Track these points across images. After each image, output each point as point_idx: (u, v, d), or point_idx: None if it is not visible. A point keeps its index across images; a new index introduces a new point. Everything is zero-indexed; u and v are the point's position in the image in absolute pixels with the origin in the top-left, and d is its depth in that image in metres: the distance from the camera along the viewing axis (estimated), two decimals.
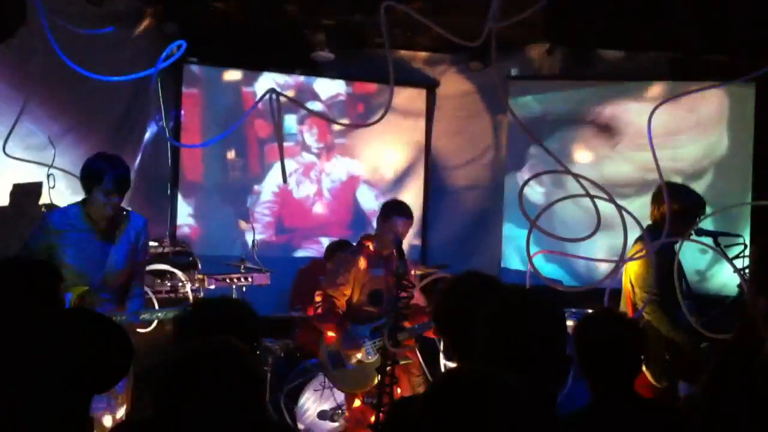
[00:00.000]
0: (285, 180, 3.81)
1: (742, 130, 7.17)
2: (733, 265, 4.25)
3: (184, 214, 7.09)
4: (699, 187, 5.96)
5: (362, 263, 5.01)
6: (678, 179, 5.91)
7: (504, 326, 2.28)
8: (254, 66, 7.30)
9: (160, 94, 6.00)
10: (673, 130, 7.05)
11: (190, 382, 1.90)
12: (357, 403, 5.02)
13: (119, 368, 2.25)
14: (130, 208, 4.34)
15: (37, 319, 2.33)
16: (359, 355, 4.92)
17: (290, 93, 7.16)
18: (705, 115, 7.22)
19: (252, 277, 5.53)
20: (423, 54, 7.59)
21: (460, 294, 2.61)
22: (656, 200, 4.59)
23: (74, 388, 2.08)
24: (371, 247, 5.07)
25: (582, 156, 7.37)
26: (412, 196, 7.85)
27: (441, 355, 5.85)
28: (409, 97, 7.76)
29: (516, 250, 7.45)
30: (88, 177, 4.01)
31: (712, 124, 7.23)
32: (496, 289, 2.59)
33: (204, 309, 2.71)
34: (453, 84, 7.81)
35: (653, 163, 3.82)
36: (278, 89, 3.49)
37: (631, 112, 7.11)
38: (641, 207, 4.65)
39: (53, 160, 5.26)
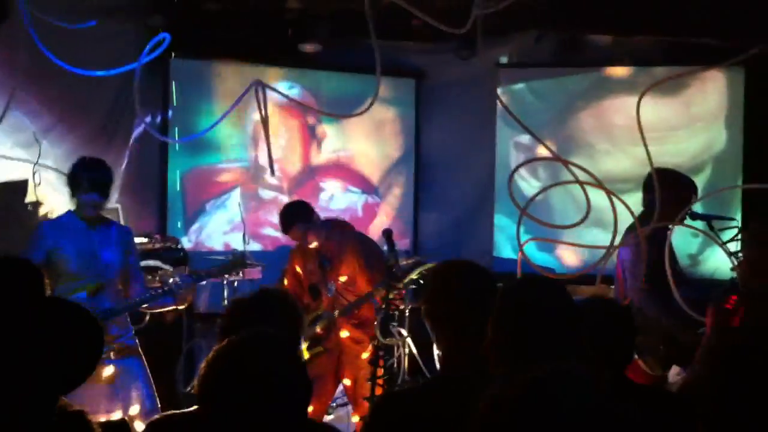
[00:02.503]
0: (273, 172, 3.81)
1: (734, 117, 7.16)
2: (725, 249, 4.24)
3: (174, 209, 7.04)
4: (698, 180, 5.92)
5: (296, 260, 5.12)
6: None
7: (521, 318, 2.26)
8: (241, 59, 7.25)
9: (144, 88, 5.96)
10: (673, 125, 7.05)
11: (238, 372, 1.87)
12: None
13: (88, 363, 2.21)
14: (111, 217, 4.47)
15: (5, 312, 2.30)
16: None
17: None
18: (703, 110, 7.21)
19: (243, 272, 5.51)
20: (411, 43, 7.56)
21: (447, 281, 2.60)
22: (647, 187, 4.57)
23: (41, 383, 2.06)
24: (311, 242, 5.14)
25: (579, 148, 7.34)
26: (403, 186, 7.84)
27: (435, 346, 5.85)
28: (398, 87, 7.73)
29: (508, 239, 7.45)
30: (69, 182, 4.23)
31: (710, 118, 7.22)
32: (483, 277, 2.57)
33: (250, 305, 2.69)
34: (442, 73, 7.78)
35: (652, 156, 3.82)
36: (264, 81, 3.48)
37: (629, 105, 7.04)
38: (639, 202, 4.63)
39: (38, 157, 5.24)
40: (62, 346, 2.13)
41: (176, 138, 6.87)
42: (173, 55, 6.74)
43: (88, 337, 2.22)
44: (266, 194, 7.45)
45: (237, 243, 6.46)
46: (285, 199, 7.50)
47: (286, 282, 5.19)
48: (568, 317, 2.25)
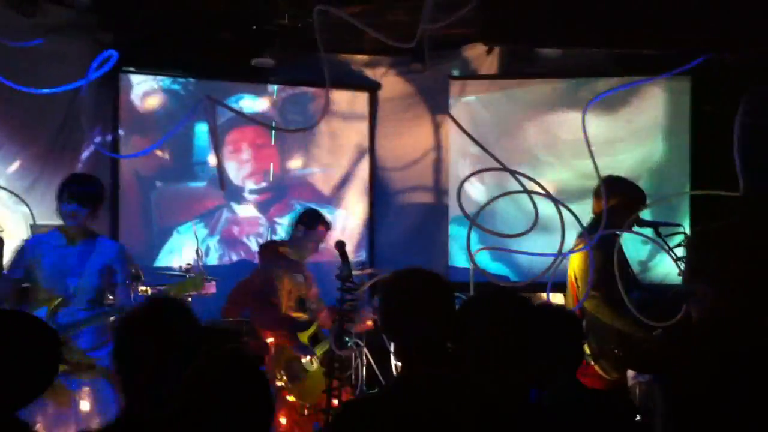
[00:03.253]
0: (223, 187, 3.83)
1: (680, 126, 7.31)
2: (670, 254, 4.34)
3: (127, 225, 6.98)
4: (645, 188, 5.96)
5: (283, 273, 5.05)
6: None
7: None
8: (194, 73, 7.23)
9: (96, 104, 5.95)
10: (612, 138, 7.17)
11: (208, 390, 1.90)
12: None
13: (42, 376, 2.19)
14: (98, 233, 4.47)
15: None
16: (306, 363, 4.91)
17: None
18: (649, 120, 7.35)
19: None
20: (364, 57, 7.61)
21: (405, 291, 2.61)
22: (597, 194, 4.66)
23: None
24: (287, 255, 5.11)
25: (529, 158, 7.43)
26: (358, 198, 7.86)
27: (391, 356, 5.87)
28: (351, 100, 7.77)
29: (462, 249, 7.50)
30: (56, 196, 4.28)
31: (656, 127, 7.36)
32: (442, 287, 2.60)
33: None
34: (395, 86, 7.83)
35: (593, 169, 3.90)
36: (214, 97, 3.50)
37: (576, 117, 7.14)
38: (582, 213, 4.70)
39: None
40: (14, 358, 2.11)
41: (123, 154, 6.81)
42: (124, 70, 6.72)
43: (43, 350, 2.20)
44: (224, 210, 7.43)
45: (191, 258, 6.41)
46: (240, 211, 7.49)
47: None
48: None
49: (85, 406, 4.16)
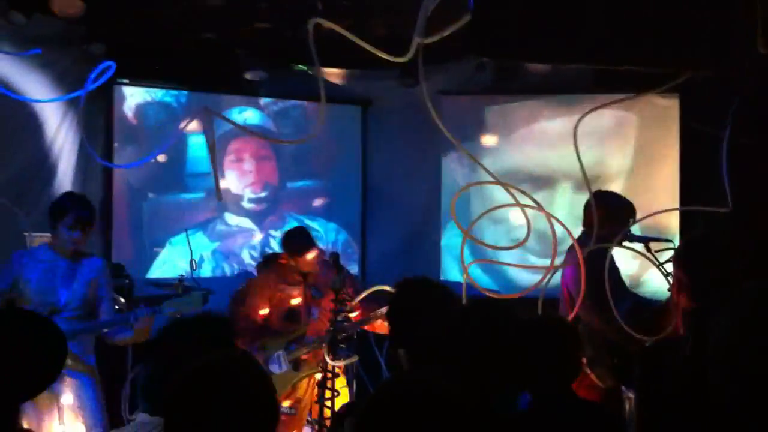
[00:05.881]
0: (219, 197, 3.85)
1: (668, 140, 7.37)
2: (661, 270, 4.37)
3: (119, 236, 6.99)
4: (635, 203, 6.05)
5: (274, 281, 5.06)
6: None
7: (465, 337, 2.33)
8: (186, 86, 7.26)
9: (89, 116, 5.96)
10: (609, 150, 7.23)
11: (205, 396, 1.87)
12: None
13: (48, 371, 2.22)
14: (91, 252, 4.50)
15: None
16: (272, 366, 4.92)
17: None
18: (633, 136, 7.41)
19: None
20: (357, 70, 7.65)
21: (419, 298, 2.65)
22: (587, 207, 4.70)
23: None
24: (287, 264, 5.11)
25: (519, 170, 7.48)
26: (350, 211, 7.89)
27: (382, 364, 5.87)
28: (344, 114, 7.81)
29: (455, 261, 7.55)
30: (52, 213, 4.23)
31: (645, 143, 7.43)
32: (450, 298, 2.64)
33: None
34: (388, 100, 7.88)
35: (584, 182, 3.94)
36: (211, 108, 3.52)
37: (565, 130, 7.22)
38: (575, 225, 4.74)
39: None
40: (22, 354, 2.14)
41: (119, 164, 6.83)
42: (118, 82, 6.75)
43: (49, 346, 2.24)
44: (217, 222, 7.45)
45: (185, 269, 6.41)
46: (233, 222, 7.50)
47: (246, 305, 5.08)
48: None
49: (67, 399, 4.17)
